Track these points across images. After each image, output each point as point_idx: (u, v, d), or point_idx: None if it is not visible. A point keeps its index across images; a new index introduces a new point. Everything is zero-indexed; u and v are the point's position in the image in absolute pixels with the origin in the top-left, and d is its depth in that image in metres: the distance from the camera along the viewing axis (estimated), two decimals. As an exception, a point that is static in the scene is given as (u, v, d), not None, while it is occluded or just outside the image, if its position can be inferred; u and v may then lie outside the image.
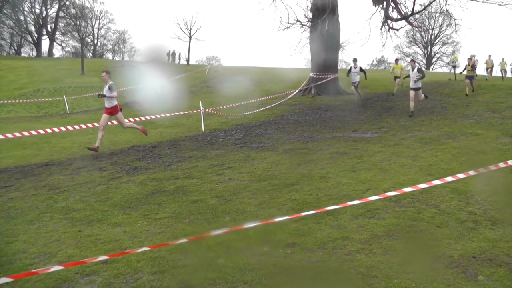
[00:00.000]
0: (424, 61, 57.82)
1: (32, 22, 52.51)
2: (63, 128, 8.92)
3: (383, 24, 20.26)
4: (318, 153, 8.15)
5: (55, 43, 56.00)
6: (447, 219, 4.32)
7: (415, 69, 12.13)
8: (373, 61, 65.30)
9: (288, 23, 20.90)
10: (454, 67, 22.61)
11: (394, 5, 19.91)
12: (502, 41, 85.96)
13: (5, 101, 19.49)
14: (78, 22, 40.84)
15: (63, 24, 54.67)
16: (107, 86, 8.89)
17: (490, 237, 3.84)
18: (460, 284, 3.09)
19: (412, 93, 12.19)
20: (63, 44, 58.23)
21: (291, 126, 11.96)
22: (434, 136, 9.00)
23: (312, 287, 3.30)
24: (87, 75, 29.53)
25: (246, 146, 9.37)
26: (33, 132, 8.34)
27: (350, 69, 15.91)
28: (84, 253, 3.94)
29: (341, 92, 19.31)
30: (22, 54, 56.49)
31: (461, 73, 16.32)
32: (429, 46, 57.22)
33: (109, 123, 9.77)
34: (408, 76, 12.93)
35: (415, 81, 12.06)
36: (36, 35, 53.01)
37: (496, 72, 27.80)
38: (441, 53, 57.38)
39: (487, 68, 24.25)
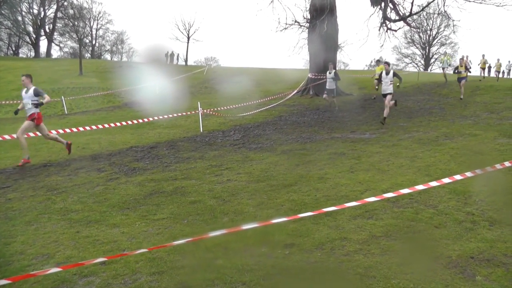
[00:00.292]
0: (422, 61, 58.01)
1: (30, 23, 52.49)
2: (61, 131, 8.90)
3: (381, 25, 20.33)
4: (316, 153, 8.16)
5: (53, 44, 56.06)
6: (445, 219, 4.33)
7: (390, 73, 11.23)
8: (371, 62, 65.42)
9: (286, 24, 20.98)
10: (443, 68, 22.59)
11: (392, 6, 19.98)
12: (501, 42, 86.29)
13: (3, 102, 19.40)
14: (76, 23, 40.91)
15: (61, 25, 54.77)
16: (30, 91, 8.02)
17: (488, 237, 3.85)
18: (458, 285, 3.10)
19: (386, 99, 11.22)
20: (61, 45, 58.29)
21: (289, 127, 11.97)
22: (432, 136, 9.02)
23: (311, 288, 3.30)
24: (85, 76, 29.47)
25: (244, 147, 9.37)
26: (31, 134, 8.34)
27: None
28: (82, 254, 3.93)
29: (340, 93, 19.33)
30: (20, 55, 56.43)
31: (454, 72, 16.20)
32: (427, 47, 57.37)
33: (107, 125, 9.76)
34: (379, 78, 12.07)
35: (387, 86, 11.22)
36: (34, 36, 52.94)
37: (492, 72, 27.90)
38: (439, 54, 57.54)
39: (482, 68, 24.26)
